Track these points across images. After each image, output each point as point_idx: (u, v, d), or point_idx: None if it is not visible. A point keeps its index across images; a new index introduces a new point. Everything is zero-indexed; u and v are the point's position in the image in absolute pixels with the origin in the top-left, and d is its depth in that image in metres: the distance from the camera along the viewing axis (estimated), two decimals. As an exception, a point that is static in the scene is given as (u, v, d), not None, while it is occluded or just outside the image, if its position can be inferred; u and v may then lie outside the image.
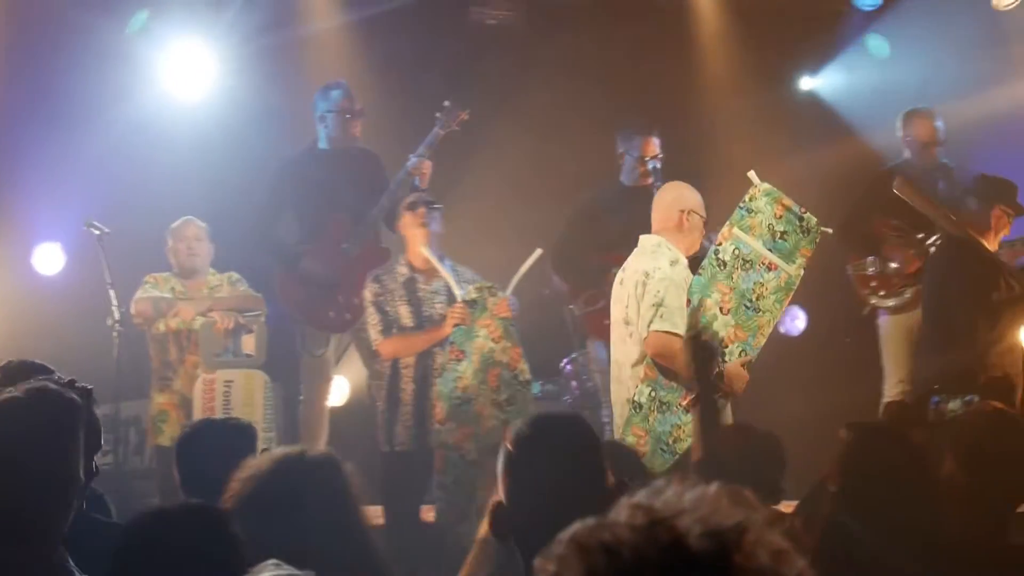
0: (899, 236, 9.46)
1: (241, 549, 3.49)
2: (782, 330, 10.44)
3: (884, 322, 9.71)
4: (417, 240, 8.30)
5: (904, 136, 9.83)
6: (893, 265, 9.46)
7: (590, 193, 9.81)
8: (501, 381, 7.82)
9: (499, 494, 3.67)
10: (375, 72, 10.65)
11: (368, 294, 8.31)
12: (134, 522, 3.65)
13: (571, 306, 9.78)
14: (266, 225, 9.46)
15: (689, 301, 7.48)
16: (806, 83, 11.55)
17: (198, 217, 9.43)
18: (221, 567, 3.44)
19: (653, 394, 7.43)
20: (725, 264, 7.56)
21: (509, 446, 3.69)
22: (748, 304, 7.53)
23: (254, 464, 4.22)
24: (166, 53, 10.23)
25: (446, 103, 9.23)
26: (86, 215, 9.29)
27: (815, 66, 11.34)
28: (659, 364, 7.47)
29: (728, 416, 7.63)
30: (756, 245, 7.58)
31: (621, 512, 1.63)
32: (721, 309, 7.51)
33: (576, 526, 1.64)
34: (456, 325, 7.86)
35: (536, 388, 9.36)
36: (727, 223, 7.75)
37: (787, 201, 7.68)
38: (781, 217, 7.60)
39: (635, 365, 7.57)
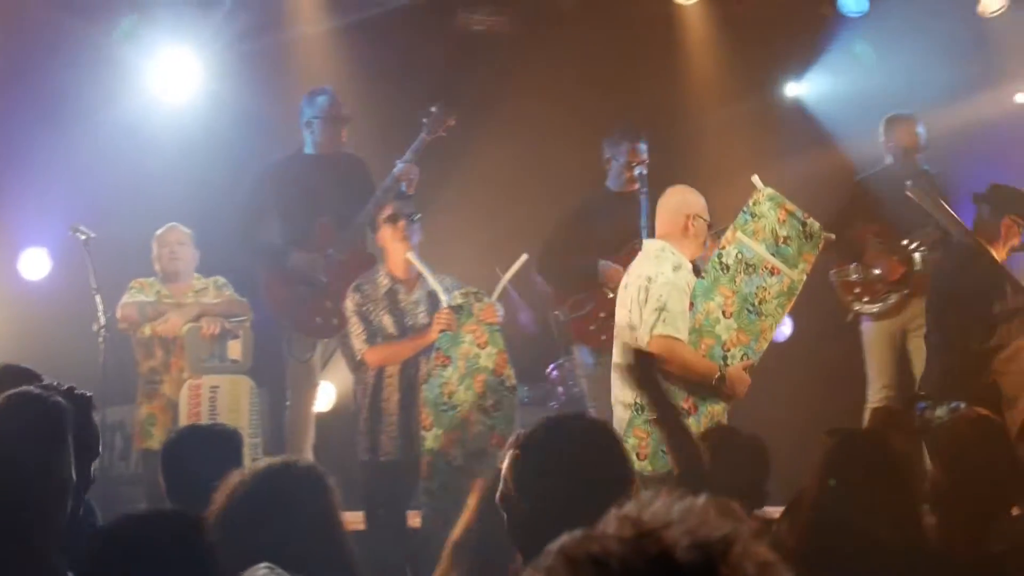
0: (882, 242, 9.49)
1: (215, 557, 3.49)
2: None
3: (867, 328, 9.74)
4: (398, 253, 8.29)
5: (886, 142, 9.87)
6: (876, 271, 9.49)
7: (577, 198, 9.82)
8: (487, 387, 7.83)
9: (503, 498, 3.58)
10: (362, 78, 10.65)
11: (350, 304, 8.29)
12: (106, 529, 3.65)
13: (556, 312, 9.78)
14: (251, 230, 9.45)
15: (692, 305, 7.52)
16: (792, 89, 11.58)
17: (184, 222, 9.42)
18: (194, 574, 3.45)
19: None
20: (728, 268, 7.63)
21: (517, 451, 3.57)
22: (751, 308, 7.60)
23: (238, 476, 4.23)
24: (153, 58, 10.23)
25: (433, 109, 9.24)
26: (72, 220, 9.29)
27: (801, 72, 11.36)
28: (662, 368, 7.51)
29: (725, 420, 7.69)
30: (759, 249, 7.64)
31: (609, 523, 1.64)
32: (724, 313, 7.58)
33: (564, 537, 1.66)
34: (442, 331, 7.86)
35: (522, 393, 9.38)
36: (730, 227, 7.83)
37: (790, 206, 7.75)
38: (784, 222, 7.69)
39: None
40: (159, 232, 9.35)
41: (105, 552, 3.49)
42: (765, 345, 7.77)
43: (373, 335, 8.18)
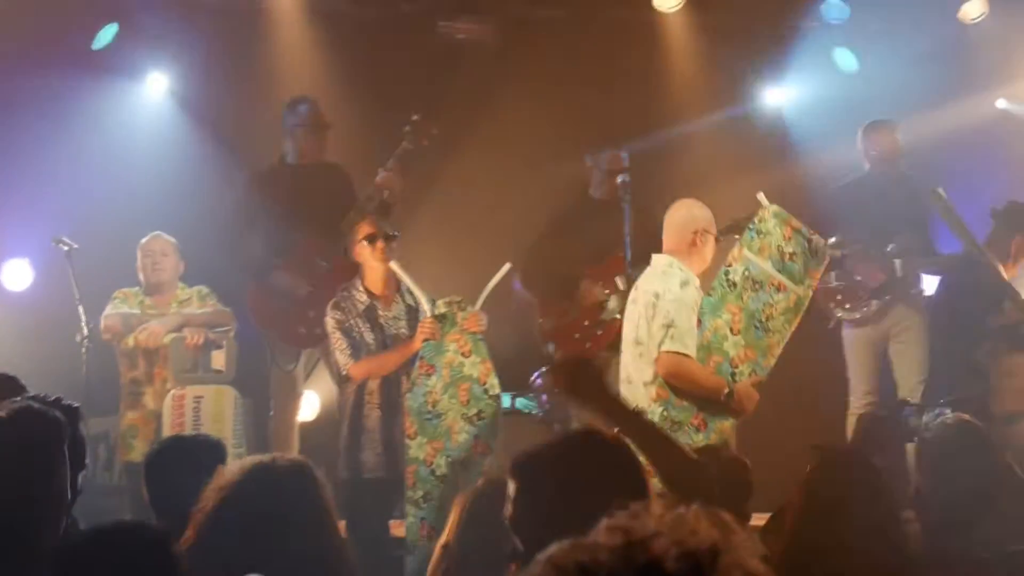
0: (863, 249, 9.50)
1: (181, 568, 3.48)
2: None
3: (848, 335, 9.76)
4: (376, 271, 8.25)
5: (865, 148, 9.89)
6: (857, 278, 9.50)
7: (559, 207, 9.83)
8: (471, 395, 7.82)
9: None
10: (344, 87, 10.65)
11: (331, 321, 8.22)
12: (69, 543, 3.64)
13: (540, 320, 9.78)
14: (235, 240, 9.44)
15: (700, 322, 7.57)
16: (772, 96, 11.57)
17: (167, 232, 9.41)
18: None
19: (665, 413, 7.51)
20: (735, 285, 7.70)
21: (518, 478, 3.42)
22: (758, 324, 7.67)
23: (225, 473, 4.21)
24: (136, 67, 10.24)
25: (415, 118, 9.23)
26: (54, 231, 9.28)
27: (782, 79, 11.37)
28: (670, 384, 7.56)
29: (734, 437, 7.76)
30: (765, 266, 7.71)
31: (599, 532, 1.64)
32: (731, 329, 7.64)
33: (553, 547, 1.66)
34: (426, 340, 7.85)
35: (506, 402, 9.37)
36: (736, 244, 7.89)
37: (795, 223, 7.82)
38: (790, 239, 7.76)
39: (647, 384, 7.65)
40: (143, 241, 9.34)
41: (71, 566, 3.48)
42: (773, 361, 7.83)
43: (357, 350, 8.15)
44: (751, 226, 7.81)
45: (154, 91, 10.68)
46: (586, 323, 9.36)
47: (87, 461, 4.72)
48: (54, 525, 3.97)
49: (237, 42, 10.71)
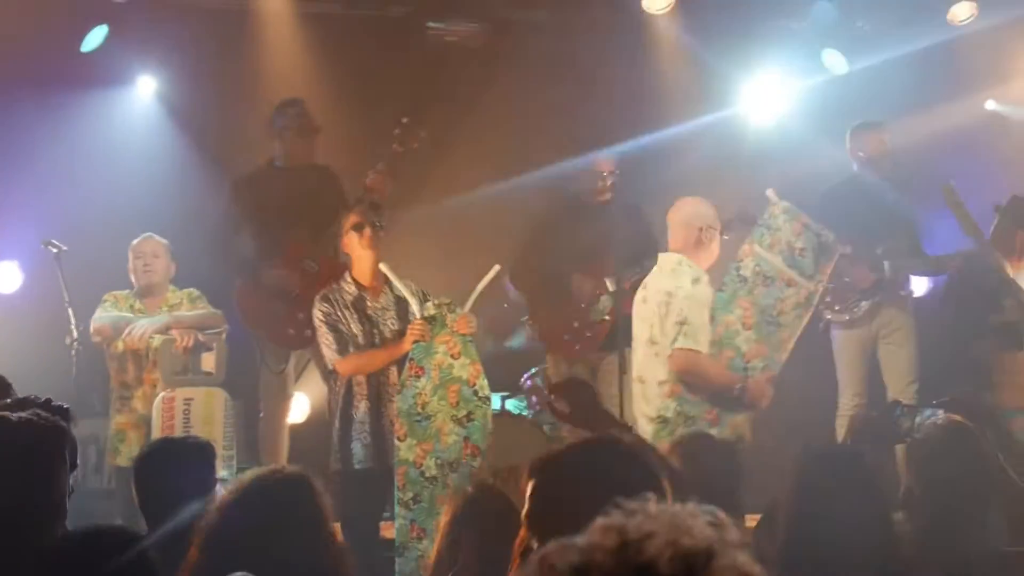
0: (853, 251, 9.51)
1: (155, 573, 3.48)
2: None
3: (837, 336, 9.76)
4: (364, 261, 8.28)
5: (853, 150, 9.89)
6: (846, 280, 9.51)
7: (548, 208, 9.83)
8: (460, 397, 7.82)
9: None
10: (333, 89, 10.65)
11: (318, 314, 8.26)
12: (47, 549, 3.63)
13: (530, 321, 9.79)
14: (224, 242, 9.43)
15: (712, 318, 7.67)
16: (761, 98, 11.57)
17: (157, 234, 9.39)
18: None
19: (679, 409, 7.71)
20: (746, 280, 7.86)
21: (537, 478, 3.41)
22: (769, 319, 7.83)
23: (226, 489, 4.22)
24: (126, 68, 10.23)
25: (404, 120, 9.22)
26: (44, 233, 9.26)
27: (771, 81, 11.36)
28: (684, 380, 7.63)
29: (748, 431, 7.83)
30: (776, 262, 7.84)
31: (593, 533, 1.64)
32: (743, 324, 7.78)
33: (548, 547, 1.66)
34: (416, 341, 7.85)
35: (496, 403, 9.38)
36: (747, 240, 8.05)
37: (805, 219, 7.94)
38: (800, 234, 7.92)
39: (662, 383, 7.75)
40: (134, 243, 9.31)
41: (47, 571, 3.47)
42: (785, 356, 7.98)
43: (344, 344, 8.16)
44: (761, 221, 7.93)
45: (143, 93, 10.68)
46: (575, 324, 9.36)
47: (78, 462, 4.72)
48: (51, 531, 3.97)
49: (226, 44, 10.70)
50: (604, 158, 9.42)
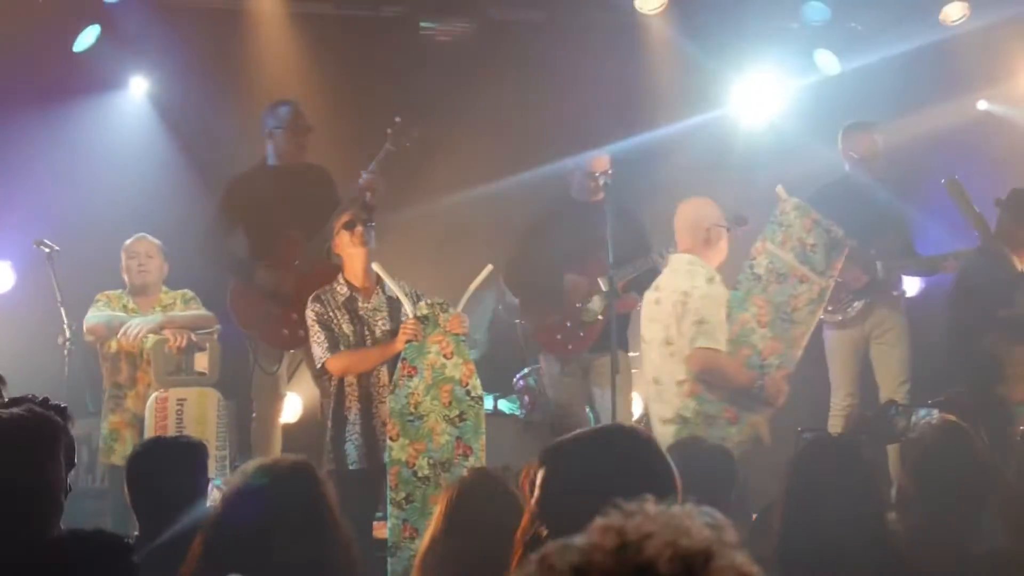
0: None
1: None
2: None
3: (830, 336, 9.77)
4: (356, 259, 8.29)
5: (845, 150, 9.91)
6: (839, 280, 9.52)
7: (541, 208, 9.83)
8: (453, 397, 7.82)
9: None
10: (326, 89, 10.65)
11: (311, 313, 8.27)
12: (27, 551, 3.62)
13: (523, 321, 9.79)
14: (217, 242, 9.43)
15: (728, 316, 7.75)
16: (754, 99, 11.57)
17: (150, 234, 9.38)
18: None
19: (699, 408, 7.79)
20: (760, 278, 7.98)
21: (548, 464, 3.37)
22: (784, 316, 7.94)
23: (229, 480, 4.23)
24: (118, 68, 10.23)
25: (397, 120, 9.22)
26: (36, 233, 9.26)
27: (763, 82, 11.36)
28: (703, 380, 7.69)
29: (766, 429, 7.90)
30: (788, 258, 7.95)
31: (592, 533, 1.64)
32: (758, 322, 7.87)
33: (547, 547, 1.66)
34: (408, 341, 7.85)
35: (488, 403, 9.37)
36: (759, 238, 8.16)
37: (815, 214, 8.03)
38: (810, 230, 7.99)
39: (680, 383, 7.80)
40: (128, 242, 9.30)
41: (32, 570, 3.46)
42: (799, 353, 8.11)
43: (335, 344, 8.16)
44: (772, 219, 8.03)
45: (136, 94, 10.67)
46: (568, 324, 9.37)
47: (75, 460, 4.73)
48: (46, 528, 3.96)
49: (218, 44, 10.70)
50: (597, 158, 9.42)
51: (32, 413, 4.11)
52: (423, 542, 5.02)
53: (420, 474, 7.71)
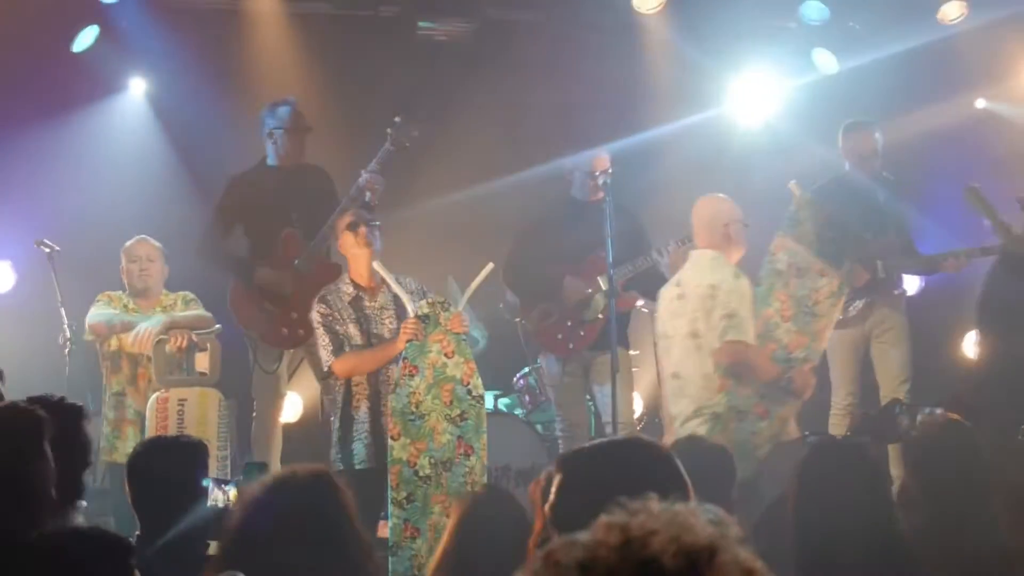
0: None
1: None
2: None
3: (831, 336, 9.75)
4: (360, 260, 8.28)
5: (844, 149, 9.91)
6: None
7: (541, 207, 9.84)
8: (454, 396, 7.81)
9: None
10: (324, 89, 10.66)
11: (316, 315, 8.26)
12: (24, 547, 3.62)
13: (523, 320, 9.80)
14: (217, 242, 9.43)
15: (753, 311, 7.88)
16: (753, 97, 11.57)
17: (148, 234, 9.38)
18: None
19: (730, 403, 7.89)
20: (781, 273, 8.10)
21: (564, 472, 3.40)
22: (806, 310, 8.09)
23: (247, 491, 4.23)
24: (120, 70, 10.24)
25: (397, 119, 9.21)
26: (36, 233, 9.26)
27: (761, 81, 11.37)
28: (735, 373, 7.77)
29: (794, 423, 7.97)
30: (806, 253, 7.98)
31: (597, 530, 1.65)
32: (782, 316, 7.96)
33: (553, 543, 1.67)
34: (409, 340, 7.85)
35: (489, 403, 9.38)
36: (778, 234, 8.31)
37: (829, 208, 8.11)
38: (826, 224, 8.03)
39: (707, 376, 7.86)
40: (128, 244, 9.29)
41: (29, 568, 3.46)
42: (823, 345, 8.31)
43: (339, 346, 8.15)
44: (788, 215, 8.09)
45: (135, 94, 10.68)
46: (568, 323, 9.38)
47: (92, 458, 4.78)
48: (32, 524, 3.96)
49: (217, 44, 10.70)
50: (598, 157, 9.42)
51: (12, 407, 4.12)
52: (434, 557, 5.03)
53: (421, 473, 7.70)
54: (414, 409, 7.74)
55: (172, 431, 8.24)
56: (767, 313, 8.10)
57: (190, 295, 9.31)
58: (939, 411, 6.91)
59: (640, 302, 9.66)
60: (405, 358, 7.81)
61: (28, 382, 6.77)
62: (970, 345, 11.25)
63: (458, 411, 7.81)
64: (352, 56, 11.20)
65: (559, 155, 9.81)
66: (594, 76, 11.30)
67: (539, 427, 10.06)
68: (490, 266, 8.12)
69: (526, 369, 10.39)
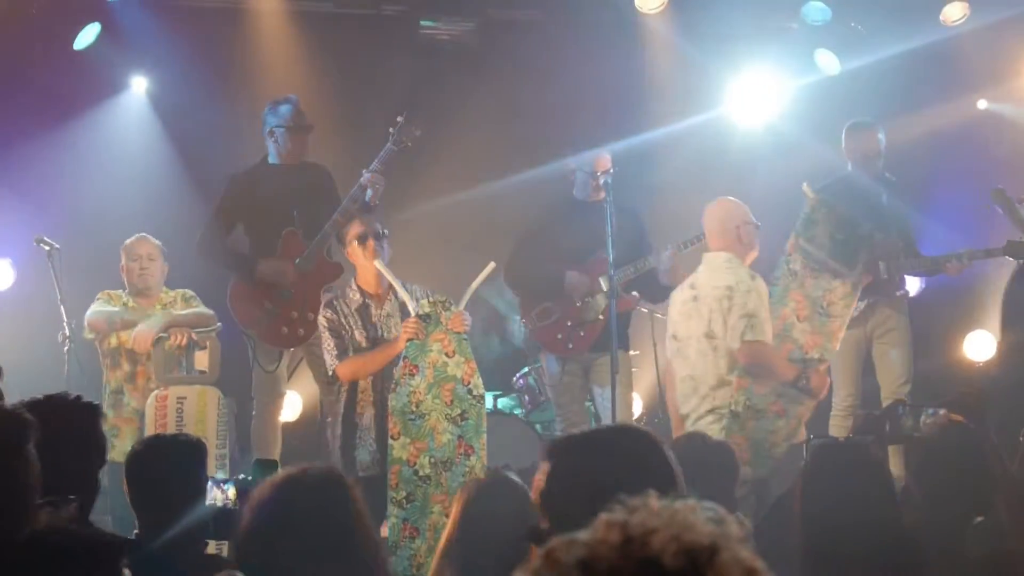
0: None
1: None
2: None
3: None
4: (369, 269, 8.27)
5: (847, 148, 9.90)
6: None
7: (543, 207, 9.83)
8: (455, 396, 7.81)
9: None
10: (326, 88, 10.66)
11: (322, 320, 8.26)
12: (20, 544, 3.60)
13: (523, 320, 9.79)
14: (218, 241, 9.42)
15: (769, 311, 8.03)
16: (755, 97, 11.56)
17: (149, 232, 9.37)
18: None
19: (748, 402, 7.99)
20: (796, 274, 8.26)
21: (553, 459, 3.43)
22: (820, 310, 8.27)
23: (258, 491, 4.22)
24: (121, 68, 10.25)
25: (400, 119, 9.20)
26: (36, 231, 9.26)
27: (764, 81, 11.36)
28: (753, 373, 7.97)
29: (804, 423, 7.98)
30: (820, 254, 8.15)
31: (597, 529, 1.64)
32: (798, 317, 8.13)
33: (553, 542, 1.66)
34: (410, 339, 7.84)
35: (488, 402, 9.37)
36: (792, 235, 8.42)
37: (841, 209, 8.17)
38: (838, 225, 8.13)
39: (724, 377, 7.94)
40: (128, 242, 9.28)
41: (18, 567, 3.44)
42: (837, 345, 8.41)
43: (344, 350, 8.15)
44: (802, 216, 8.20)
45: (136, 92, 10.68)
46: (569, 323, 9.37)
47: (107, 457, 4.82)
48: (13, 527, 3.93)
49: (219, 42, 10.71)
50: (599, 157, 9.41)
51: None
52: (440, 543, 5.03)
53: (421, 473, 7.70)
54: (414, 408, 7.73)
55: (171, 429, 8.23)
56: (784, 313, 8.26)
57: (190, 292, 9.31)
58: (942, 412, 6.92)
59: (640, 303, 9.65)
60: (405, 357, 7.81)
61: (27, 380, 6.76)
62: (971, 346, 11.27)
63: (459, 411, 7.80)
64: (354, 54, 11.21)
65: (561, 155, 9.81)
66: (596, 76, 11.29)
67: (538, 427, 10.05)
68: (491, 265, 8.11)
69: (526, 369, 10.39)
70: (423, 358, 7.80)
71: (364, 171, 9.15)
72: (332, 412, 8.39)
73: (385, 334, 8.21)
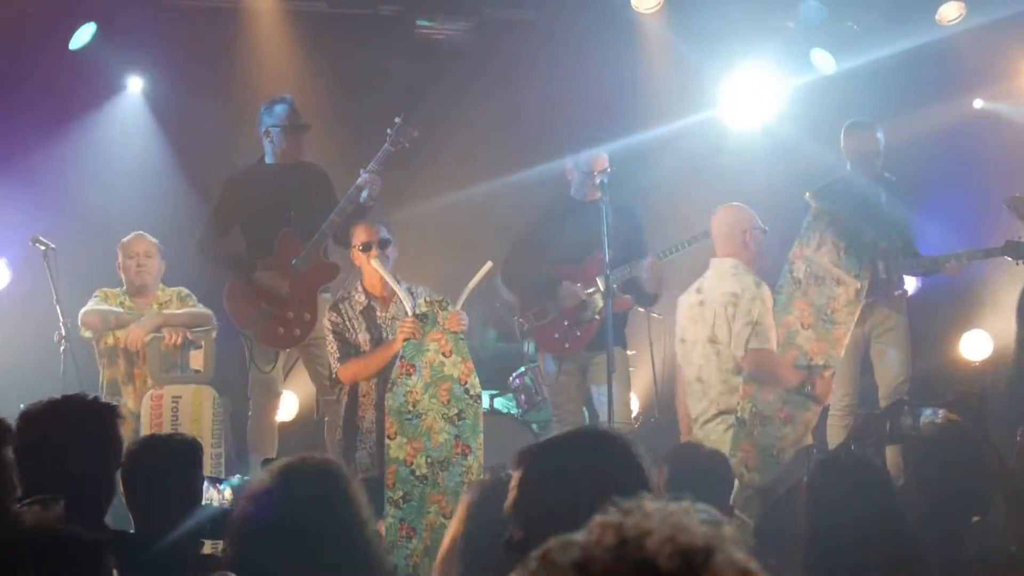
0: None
1: None
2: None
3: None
4: (373, 275, 8.28)
5: (846, 148, 9.89)
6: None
7: (540, 207, 9.83)
8: (452, 395, 7.80)
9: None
10: (323, 87, 10.65)
11: (327, 323, 8.29)
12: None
13: (520, 319, 9.77)
14: (214, 241, 9.41)
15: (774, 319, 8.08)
16: (751, 97, 11.55)
17: (146, 231, 9.36)
18: None
19: (754, 409, 8.06)
20: (800, 282, 8.37)
21: (523, 467, 3.38)
22: (825, 317, 8.36)
23: (255, 479, 4.22)
24: (118, 68, 10.24)
25: (397, 119, 9.19)
26: (32, 230, 9.25)
27: (761, 80, 11.35)
28: (759, 379, 8.05)
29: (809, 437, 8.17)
30: (823, 262, 8.21)
31: (592, 531, 1.64)
32: (802, 324, 8.20)
33: (548, 544, 1.66)
34: (407, 339, 7.83)
35: (485, 401, 9.37)
36: (795, 243, 8.48)
37: (844, 217, 8.23)
38: (842, 234, 8.19)
39: (726, 381, 7.93)
40: (125, 240, 9.28)
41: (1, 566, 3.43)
42: (841, 352, 8.43)
43: (347, 353, 8.16)
44: (805, 224, 8.26)
45: (132, 92, 10.67)
46: (566, 323, 9.36)
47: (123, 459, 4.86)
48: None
49: (215, 43, 10.70)
50: (597, 157, 9.41)
51: None
52: (443, 544, 5.02)
53: (418, 473, 7.69)
54: (411, 408, 7.73)
55: (167, 428, 8.24)
56: (788, 320, 8.32)
57: (185, 291, 9.31)
58: (941, 412, 6.92)
59: (633, 305, 9.64)
60: (402, 357, 7.81)
61: (23, 380, 6.76)
62: (967, 345, 11.28)
63: (456, 410, 7.80)
64: (350, 54, 11.20)
65: (557, 155, 9.80)
66: (593, 75, 11.29)
67: (535, 427, 10.05)
68: (488, 265, 8.11)
69: (522, 368, 10.38)
70: (420, 358, 7.80)
71: (362, 171, 9.15)
72: (333, 414, 8.39)
73: (389, 336, 8.21)
